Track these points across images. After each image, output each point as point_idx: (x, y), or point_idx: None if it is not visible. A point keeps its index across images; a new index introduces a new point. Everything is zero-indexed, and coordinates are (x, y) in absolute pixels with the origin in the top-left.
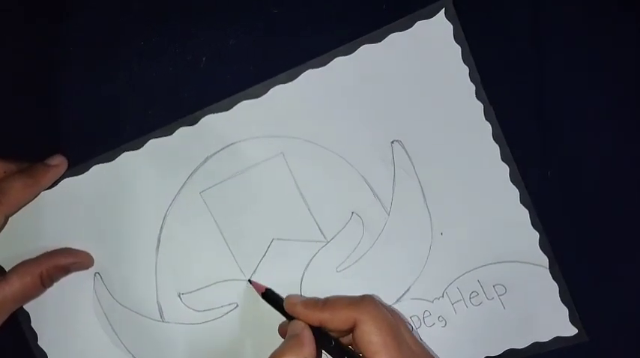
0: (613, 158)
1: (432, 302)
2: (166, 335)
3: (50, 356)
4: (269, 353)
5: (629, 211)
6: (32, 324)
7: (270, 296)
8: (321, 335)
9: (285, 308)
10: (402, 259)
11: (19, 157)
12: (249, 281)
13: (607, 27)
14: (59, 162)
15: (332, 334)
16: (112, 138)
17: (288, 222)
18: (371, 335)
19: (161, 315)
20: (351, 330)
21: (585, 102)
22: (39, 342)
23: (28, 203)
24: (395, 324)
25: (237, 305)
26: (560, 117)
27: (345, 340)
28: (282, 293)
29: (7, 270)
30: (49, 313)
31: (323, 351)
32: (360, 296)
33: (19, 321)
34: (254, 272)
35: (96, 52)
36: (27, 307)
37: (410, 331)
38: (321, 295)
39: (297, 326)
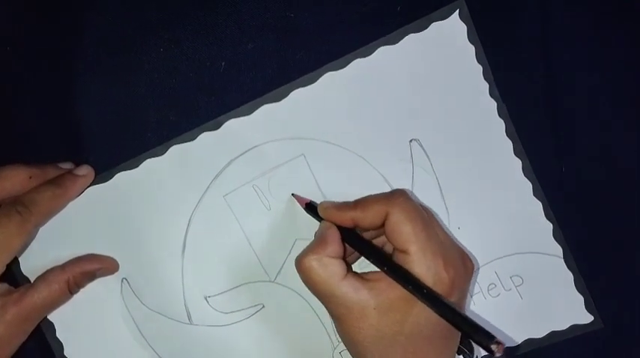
0: (622, 151)
1: None
2: (194, 338)
3: None
4: (295, 353)
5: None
6: (57, 334)
7: (312, 208)
8: (353, 237)
9: (319, 212)
10: None
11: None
12: (292, 194)
13: (615, 25)
14: (87, 172)
15: (363, 234)
16: (135, 146)
17: (311, 221)
18: (401, 225)
19: (189, 318)
20: (383, 226)
21: (595, 99)
22: (65, 352)
23: (57, 213)
24: (425, 216)
25: (263, 306)
26: (572, 112)
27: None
28: (307, 292)
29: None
30: (75, 322)
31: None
32: (390, 191)
33: (44, 333)
34: (278, 273)
35: (116, 60)
36: (51, 317)
37: (440, 225)
38: None
39: (324, 226)
